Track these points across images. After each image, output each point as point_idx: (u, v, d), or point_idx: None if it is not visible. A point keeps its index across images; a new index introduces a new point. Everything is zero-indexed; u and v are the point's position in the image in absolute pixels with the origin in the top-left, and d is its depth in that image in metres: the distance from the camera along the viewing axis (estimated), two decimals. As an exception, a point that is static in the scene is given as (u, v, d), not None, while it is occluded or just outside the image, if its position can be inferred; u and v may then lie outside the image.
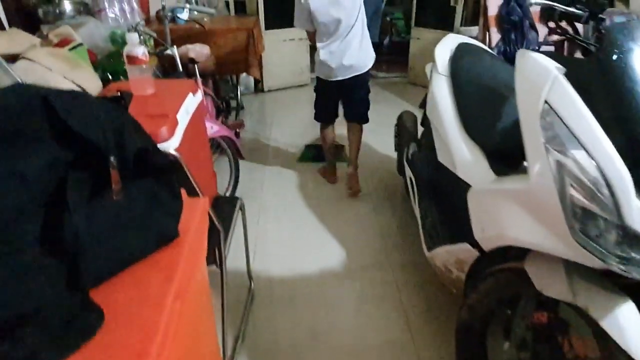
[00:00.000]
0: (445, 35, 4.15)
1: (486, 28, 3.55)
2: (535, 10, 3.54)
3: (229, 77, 4.16)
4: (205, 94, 3.07)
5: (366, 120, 2.90)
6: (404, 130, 2.65)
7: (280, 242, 2.42)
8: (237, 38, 3.44)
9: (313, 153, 3.49)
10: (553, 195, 1.16)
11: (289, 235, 2.48)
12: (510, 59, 3.50)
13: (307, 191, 2.92)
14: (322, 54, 2.66)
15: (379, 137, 3.67)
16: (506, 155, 1.75)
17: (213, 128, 2.57)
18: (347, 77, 2.70)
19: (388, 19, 6.93)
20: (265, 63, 4.71)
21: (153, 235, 0.81)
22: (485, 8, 3.52)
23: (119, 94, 1.02)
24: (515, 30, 3.45)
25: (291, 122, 4.07)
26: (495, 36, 3.52)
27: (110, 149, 0.70)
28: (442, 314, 1.93)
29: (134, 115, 0.82)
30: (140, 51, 1.32)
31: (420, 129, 2.71)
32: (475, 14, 4.86)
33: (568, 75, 1.24)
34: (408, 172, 2.27)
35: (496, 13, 3.49)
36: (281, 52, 4.80)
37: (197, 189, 1.17)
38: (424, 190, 2.06)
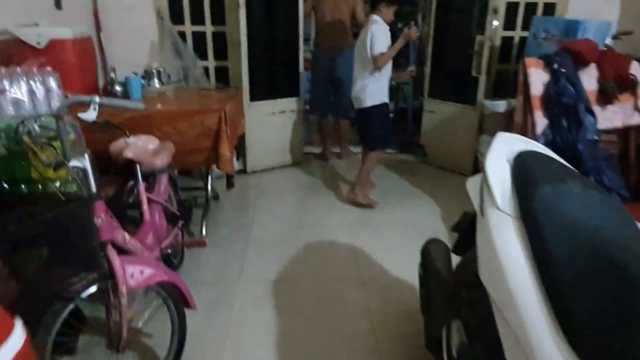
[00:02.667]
0: (466, 110, 3.33)
1: (528, 111, 2.75)
2: (591, 89, 2.76)
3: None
4: (152, 202, 2.21)
5: (370, 148, 3.32)
6: (433, 281, 1.75)
7: None
8: (204, 122, 2.62)
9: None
10: None
11: None
12: (563, 152, 2.67)
13: (292, 355, 1.98)
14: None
15: (389, 252, 2.77)
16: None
17: (144, 273, 1.68)
18: (357, 107, 3.29)
19: (394, 83, 6.26)
20: (249, 141, 3.90)
21: None
22: (527, 86, 2.73)
23: None
24: (567, 115, 2.65)
25: (278, 220, 3.19)
26: (540, 121, 2.71)
27: None
28: None
29: None
30: None
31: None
32: (498, 84, 4.14)
33: None
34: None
35: (541, 93, 2.70)
36: (268, 126, 4.00)
37: None
38: None
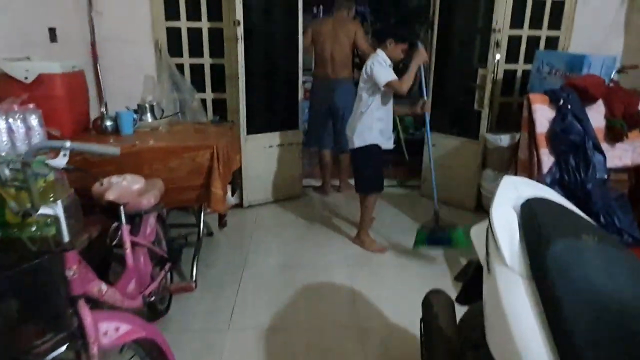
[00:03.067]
0: (468, 143, 3.22)
1: (533, 147, 2.64)
2: (598, 126, 2.65)
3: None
4: (137, 245, 2.09)
5: (361, 192, 3.14)
6: (436, 339, 1.60)
7: None
8: (195, 159, 2.52)
9: (424, 236, 3.04)
10: None
11: None
12: (571, 191, 2.54)
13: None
14: None
15: (389, 296, 2.61)
16: None
17: (119, 329, 1.54)
18: (349, 147, 3.09)
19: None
20: (246, 174, 3.80)
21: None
22: (532, 122, 2.63)
23: None
24: (575, 153, 2.53)
25: (273, 259, 3.05)
26: (546, 159, 2.59)
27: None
28: None
29: None
30: None
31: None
32: (500, 118, 4.05)
33: None
34: None
35: (547, 130, 2.60)
36: (266, 160, 3.92)
37: None
38: None
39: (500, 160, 3.68)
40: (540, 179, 2.60)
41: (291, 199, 4.16)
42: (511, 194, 1.56)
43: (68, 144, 1.28)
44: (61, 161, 1.27)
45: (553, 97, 2.60)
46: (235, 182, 3.26)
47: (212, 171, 2.52)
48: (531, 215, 1.37)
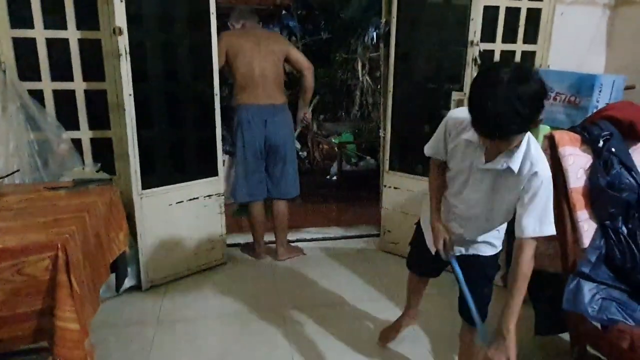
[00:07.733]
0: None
1: (565, 209, 1.81)
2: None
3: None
4: None
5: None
6: None
7: None
8: (22, 270, 1.34)
9: None
10: None
11: None
12: (626, 272, 1.72)
13: None
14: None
15: None
16: None
17: None
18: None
19: (335, 141, 5.34)
20: (144, 245, 2.67)
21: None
22: (560, 172, 1.80)
23: None
24: (627, 217, 1.75)
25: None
26: (587, 226, 1.78)
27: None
28: None
29: None
30: None
31: None
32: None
33: None
34: None
35: (585, 184, 1.79)
36: (173, 221, 2.80)
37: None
38: None
39: (483, 208, 2.89)
40: (579, 255, 1.78)
41: (212, 269, 3.07)
42: None
43: None
44: None
45: (588, 137, 1.81)
46: (121, 270, 2.13)
47: (57, 289, 1.39)
48: None
